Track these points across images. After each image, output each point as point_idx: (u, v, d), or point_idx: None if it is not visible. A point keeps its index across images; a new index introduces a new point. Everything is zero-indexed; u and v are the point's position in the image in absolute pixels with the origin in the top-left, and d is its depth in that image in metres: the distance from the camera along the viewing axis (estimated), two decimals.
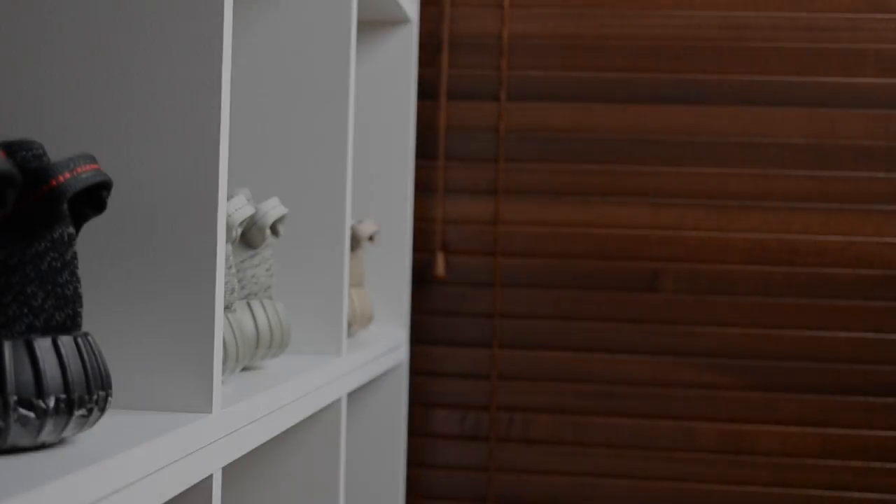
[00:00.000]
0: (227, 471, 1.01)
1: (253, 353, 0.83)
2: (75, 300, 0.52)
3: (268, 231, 0.86)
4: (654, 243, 1.47)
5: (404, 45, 1.42)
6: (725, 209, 1.46)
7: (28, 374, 0.48)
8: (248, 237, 0.85)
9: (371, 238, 1.24)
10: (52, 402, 0.48)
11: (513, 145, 1.49)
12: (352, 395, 1.41)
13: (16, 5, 0.63)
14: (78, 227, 0.54)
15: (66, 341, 0.50)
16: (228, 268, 0.76)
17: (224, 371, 0.75)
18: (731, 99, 1.46)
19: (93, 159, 0.53)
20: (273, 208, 0.86)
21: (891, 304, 1.44)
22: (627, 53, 1.48)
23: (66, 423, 0.50)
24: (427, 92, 1.50)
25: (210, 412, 0.63)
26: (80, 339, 0.51)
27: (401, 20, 1.41)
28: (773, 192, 1.46)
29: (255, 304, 0.84)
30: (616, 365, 1.47)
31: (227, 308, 0.76)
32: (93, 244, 0.63)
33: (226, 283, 0.76)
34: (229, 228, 0.76)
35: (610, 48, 1.48)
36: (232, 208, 0.77)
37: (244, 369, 0.88)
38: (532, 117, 1.49)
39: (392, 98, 1.41)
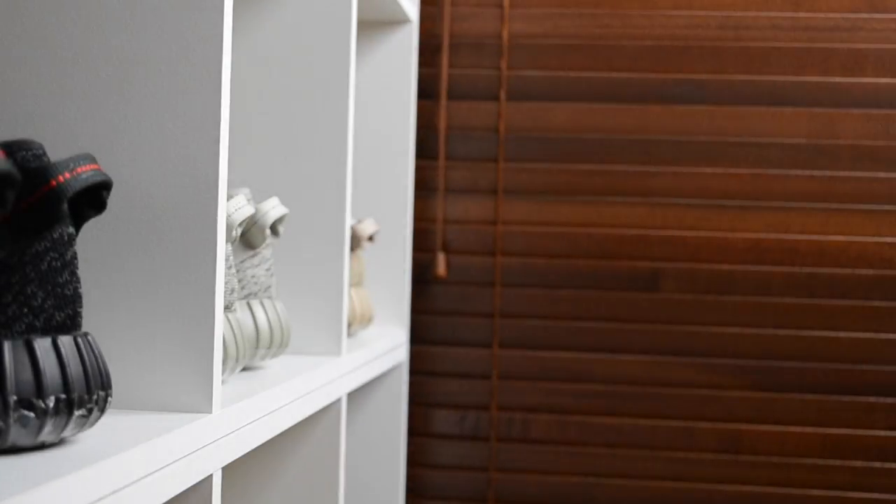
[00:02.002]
0: (227, 471, 1.01)
1: (253, 353, 0.83)
2: (75, 300, 0.52)
3: (268, 231, 0.86)
4: (654, 243, 1.47)
5: (404, 45, 1.42)
6: (725, 209, 1.46)
7: (28, 374, 0.48)
8: (248, 237, 0.85)
9: (371, 238, 1.24)
10: (52, 402, 0.48)
11: (513, 145, 1.49)
12: (352, 395, 1.41)
13: (16, 5, 0.63)
14: (78, 227, 0.54)
15: (66, 341, 0.50)
16: (228, 268, 0.76)
17: (224, 371, 0.75)
18: (731, 99, 1.46)
19: (93, 159, 0.53)
20: (273, 208, 0.86)
21: (891, 304, 1.44)
22: (627, 53, 1.48)
23: (66, 423, 0.50)
24: (427, 92, 1.50)
25: (210, 412, 0.63)
26: (80, 339, 0.51)
27: (401, 20, 1.41)
28: (773, 192, 1.46)
29: (255, 304, 0.84)
30: (616, 365, 1.47)
31: (227, 308, 0.76)
32: (93, 244, 0.63)
33: (226, 283, 0.76)
34: (229, 228, 0.76)
35: (610, 48, 1.48)
36: (232, 208, 0.77)
37: (244, 369, 0.88)
38: (532, 117, 1.49)
39: (392, 98, 1.41)
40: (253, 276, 0.85)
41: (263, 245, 0.86)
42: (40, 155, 0.51)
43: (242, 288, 0.84)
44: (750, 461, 1.45)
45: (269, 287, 0.87)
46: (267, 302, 0.85)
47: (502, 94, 1.49)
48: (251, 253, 0.85)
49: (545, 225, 1.49)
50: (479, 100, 1.50)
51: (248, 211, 0.78)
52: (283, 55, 1.02)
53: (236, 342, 0.75)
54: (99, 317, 0.63)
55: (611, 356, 1.48)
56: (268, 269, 0.86)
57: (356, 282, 1.18)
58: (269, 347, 0.85)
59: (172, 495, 0.57)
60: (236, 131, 1.01)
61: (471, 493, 1.50)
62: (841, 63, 1.45)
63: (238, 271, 0.84)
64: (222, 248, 0.64)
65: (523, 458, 1.49)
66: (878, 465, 1.43)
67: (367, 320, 1.19)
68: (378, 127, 1.41)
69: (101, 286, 0.63)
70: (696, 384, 1.46)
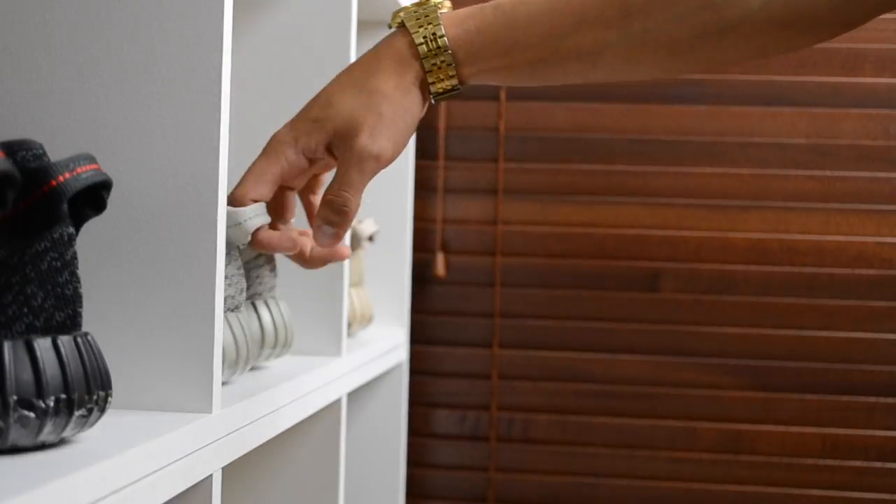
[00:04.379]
0: (227, 471, 1.01)
1: (258, 353, 0.83)
2: (75, 300, 0.52)
3: None
4: (654, 243, 1.47)
5: None
6: (725, 209, 1.46)
7: (28, 374, 0.48)
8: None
9: (371, 238, 1.24)
10: (52, 402, 0.48)
11: (513, 145, 1.49)
12: (352, 395, 1.41)
13: (16, 5, 0.63)
14: (78, 227, 0.54)
15: (66, 341, 0.50)
16: (238, 269, 0.76)
17: (234, 372, 0.75)
18: (731, 99, 1.46)
19: (93, 159, 0.53)
20: None
21: (891, 304, 1.43)
22: None
23: (66, 423, 0.50)
24: None
25: (210, 412, 0.63)
26: (80, 339, 0.51)
27: None
28: (773, 192, 1.46)
29: (260, 304, 0.84)
30: (616, 365, 1.47)
31: (235, 308, 0.76)
32: (93, 244, 0.63)
33: (236, 284, 0.76)
34: (244, 234, 0.76)
35: None
36: (250, 213, 0.76)
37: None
38: (532, 117, 1.49)
39: None
40: (258, 277, 0.85)
41: None
42: (40, 155, 0.51)
43: (248, 288, 0.84)
44: (750, 461, 1.45)
45: (273, 287, 0.87)
46: (271, 302, 0.85)
47: (502, 94, 1.49)
48: (255, 253, 0.85)
49: (545, 225, 1.49)
50: (479, 100, 1.50)
51: (263, 220, 0.77)
52: (283, 55, 1.02)
53: (247, 342, 0.75)
54: (99, 317, 0.63)
55: (611, 356, 1.48)
56: (272, 270, 0.86)
57: (356, 282, 1.18)
58: (274, 347, 0.85)
59: (172, 495, 0.57)
60: (236, 131, 1.01)
61: (471, 493, 1.50)
62: (841, 63, 1.45)
63: (245, 272, 0.84)
64: (222, 248, 0.64)
65: (523, 458, 1.49)
66: (878, 465, 1.43)
67: (367, 320, 1.19)
68: None
69: (101, 286, 0.63)
70: (696, 384, 1.46)
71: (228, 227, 0.74)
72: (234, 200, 0.73)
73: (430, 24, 0.69)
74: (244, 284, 0.78)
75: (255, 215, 0.76)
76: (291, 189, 0.75)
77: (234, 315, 0.75)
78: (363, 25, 1.42)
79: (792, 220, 1.45)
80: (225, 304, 0.74)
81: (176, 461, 0.57)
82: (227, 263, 0.75)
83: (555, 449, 1.49)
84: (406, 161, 1.41)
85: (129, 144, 0.63)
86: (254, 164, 0.72)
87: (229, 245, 0.75)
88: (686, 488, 1.46)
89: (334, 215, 0.70)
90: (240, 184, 0.72)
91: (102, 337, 0.63)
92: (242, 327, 0.75)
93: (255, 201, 0.72)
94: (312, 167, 0.73)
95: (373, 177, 0.70)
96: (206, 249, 0.63)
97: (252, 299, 0.84)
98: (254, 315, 0.83)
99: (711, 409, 1.46)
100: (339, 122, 0.69)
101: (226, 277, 0.75)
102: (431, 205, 1.50)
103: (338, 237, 0.71)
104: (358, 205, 0.70)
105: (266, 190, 0.72)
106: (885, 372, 1.43)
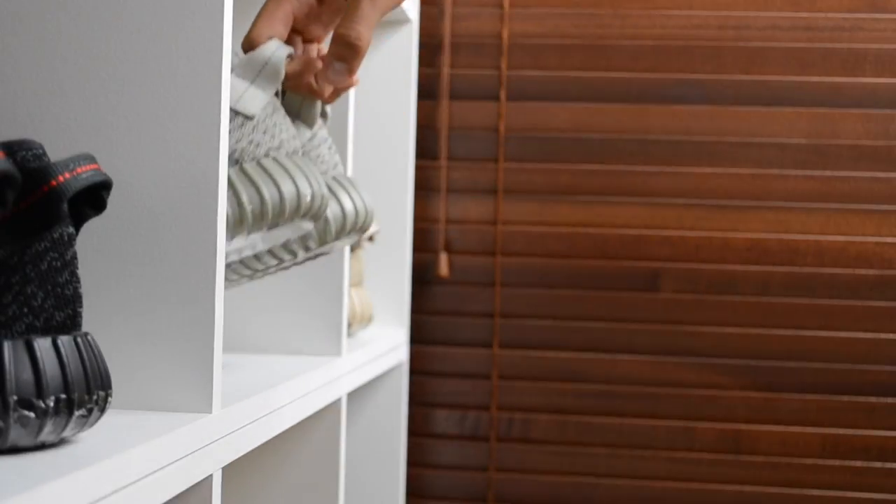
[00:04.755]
0: (227, 471, 1.01)
1: (342, 233, 0.81)
2: (75, 300, 0.52)
3: (317, 107, 0.84)
4: (654, 243, 1.47)
5: (404, 45, 1.42)
6: (725, 209, 1.46)
7: (28, 374, 0.48)
8: (303, 117, 0.83)
9: (371, 238, 1.24)
10: (52, 402, 0.48)
11: (513, 145, 1.49)
12: (352, 395, 1.41)
13: (16, 5, 0.63)
14: (78, 227, 0.54)
15: (65, 341, 0.50)
16: (283, 117, 0.74)
17: (323, 214, 0.73)
18: (731, 99, 1.46)
19: (93, 159, 0.53)
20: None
21: (891, 304, 1.43)
22: (627, 53, 1.48)
23: (66, 423, 0.50)
24: (427, 92, 1.50)
25: (210, 412, 0.63)
26: (80, 339, 0.51)
27: (401, 20, 1.41)
28: (773, 192, 1.46)
29: (332, 183, 0.81)
30: (616, 365, 1.47)
31: (294, 153, 0.74)
32: (93, 244, 0.63)
33: (286, 130, 0.74)
34: (276, 70, 0.74)
35: (610, 48, 1.48)
36: (273, 48, 0.74)
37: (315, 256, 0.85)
38: (532, 117, 1.49)
39: (392, 98, 1.41)
40: (318, 157, 0.83)
41: (318, 126, 0.84)
42: (40, 155, 0.51)
43: None
44: (750, 461, 1.45)
45: (337, 164, 0.84)
46: (342, 178, 0.83)
47: (502, 94, 1.49)
48: (309, 135, 0.83)
49: (545, 225, 1.49)
50: (479, 100, 1.50)
51: (288, 49, 0.75)
52: None
53: (321, 184, 0.73)
54: (99, 317, 0.63)
55: (611, 356, 1.48)
56: (330, 147, 0.84)
57: (356, 282, 1.18)
58: (354, 228, 0.82)
59: (172, 495, 0.57)
60: None
61: (471, 493, 1.50)
62: (841, 63, 1.45)
63: (304, 154, 0.82)
64: (222, 247, 0.64)
65: (523, 458, 1.49)
66: (878, 465, 1.43)
67: (367, 320, 1.19)
68: (378, 127, 1.41)
69: (101, 286, 0.63)
70: (696, 384, 1.46)
71: (259, 75, 0.73)
72: (250, 43, 0.73)
73: None
74: (295, 131, 0.76)
75: (279, 47, 0.75)
76: (298, 34, 0.75)
77: (298, 157, 0.74)
78: None
79: (791, 220, 1.45)
80: (281, 147, 0.74)
81: (176, 461, 0.57)
82: (270, 114, 0.74)
83: (555, 449, 1.49)
84: (406, 161, 1.41)
85: (129, 144, 0.63)
86: (264, 6, 0.72)
87: (265, 95, 0.73)
88: (685, 488, 1.46)
89: (346, 50, 0.70)
90: (253, 27, 0.72)
91: (102, 337, 0.63)
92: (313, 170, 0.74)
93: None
94: (321, 6, 0.72)
95: (384, 14, 0.70)
96: (206, 250, 0.63)
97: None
98: (333, 200, 0.80)
99: (711, 409, 1.46)
100: None
101: (274, 125, 0.74)
102: (432, 205, 1.51)
103: (350, 73, 0.71)
104: (369, 39, 0.69)
105: (281, 27, 0.72)
106: (885, 372, 1.43)
